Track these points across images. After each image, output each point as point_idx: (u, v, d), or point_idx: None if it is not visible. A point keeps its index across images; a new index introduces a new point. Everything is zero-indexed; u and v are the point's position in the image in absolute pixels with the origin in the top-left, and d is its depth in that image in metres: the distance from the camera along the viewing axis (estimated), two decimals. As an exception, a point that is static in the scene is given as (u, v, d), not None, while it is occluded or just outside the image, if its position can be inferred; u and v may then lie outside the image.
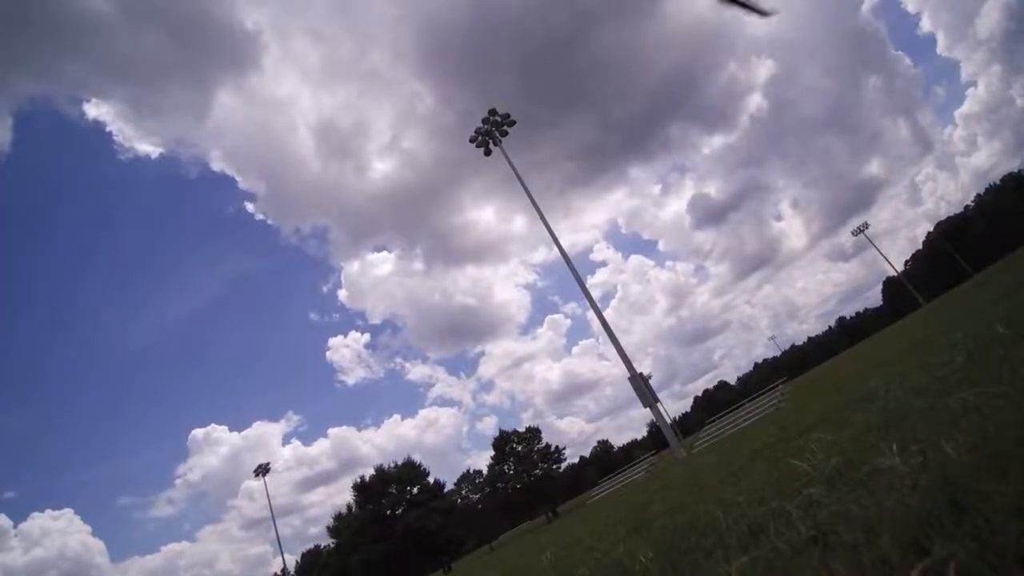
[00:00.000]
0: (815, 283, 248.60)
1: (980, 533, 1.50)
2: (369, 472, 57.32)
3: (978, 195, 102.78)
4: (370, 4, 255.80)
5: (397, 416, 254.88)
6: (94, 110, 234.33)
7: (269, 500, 54.60)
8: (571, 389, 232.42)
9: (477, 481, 69.83)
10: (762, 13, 2.33)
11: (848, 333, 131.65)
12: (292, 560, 68.47)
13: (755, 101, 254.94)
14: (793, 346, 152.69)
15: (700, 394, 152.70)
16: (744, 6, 2.25)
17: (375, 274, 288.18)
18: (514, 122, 34.60)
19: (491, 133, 34.27)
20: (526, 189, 32.16)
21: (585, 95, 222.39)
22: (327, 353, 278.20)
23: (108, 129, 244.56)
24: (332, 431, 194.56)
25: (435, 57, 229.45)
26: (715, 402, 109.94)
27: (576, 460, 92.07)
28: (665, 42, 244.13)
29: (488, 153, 34.90)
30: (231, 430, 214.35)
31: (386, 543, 49.31)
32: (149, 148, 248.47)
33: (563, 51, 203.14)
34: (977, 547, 1.44)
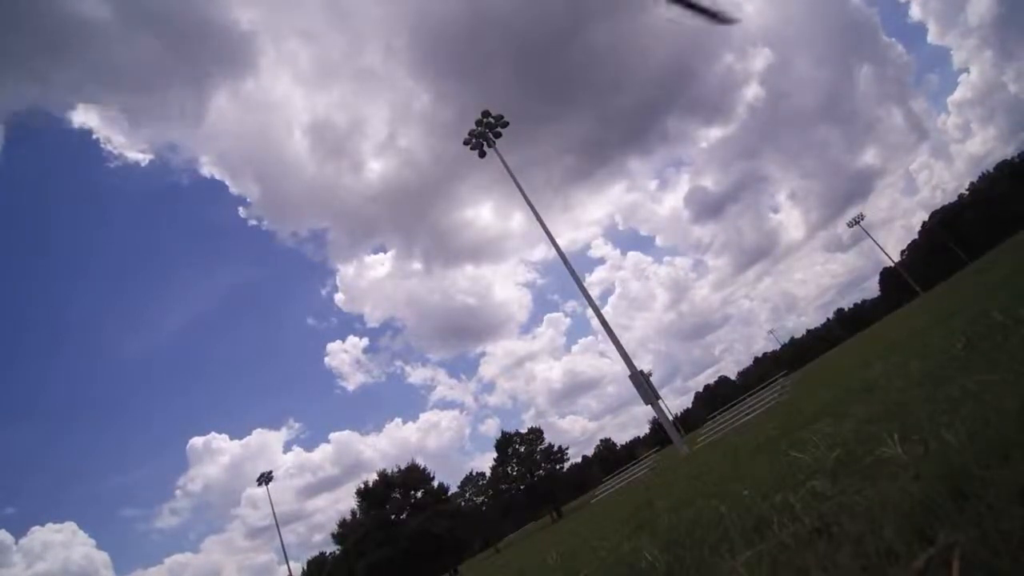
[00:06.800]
0: (813, 275, 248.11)
1: (983, 520, 1.51)
2: (372, 477, 57.30)
3: (972, 183, 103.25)
4: (362, 1, 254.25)
5: (399, 420, 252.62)
6: (84, 116, 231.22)
7: (273, 508, 54.47)
8: (573, 388, 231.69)
9: (480, 483, 69.76)
10: (724, 20, 2.18)
11: (847, 324, 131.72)
12: (298, 568, 68.23)
13: (752, 91, 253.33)
14: (793, 339, 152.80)
15: (701, 390, 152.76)
16: (703, 11, 2.08)
17: (372, 276, 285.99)
18: (507, 123, 34.67)
19: (485, 135, 34.36)
20: (521, 190, 32.22)
21: (583, 88, 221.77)
22: (325, 359, 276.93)
23: (96, 136, 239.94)
24: (334, 436, 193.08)
25: (430, 53, 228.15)
26: (716, 397, 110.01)
27: (579, 459, 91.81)
28: (661, 33, 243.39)
29: (483, 155, 34.99)
30: (231, 438, 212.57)
31: (391, 548, 49.19)
32: (139, 155, 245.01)
33: (559, 44, 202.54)
34: (980, 533, 1.44)
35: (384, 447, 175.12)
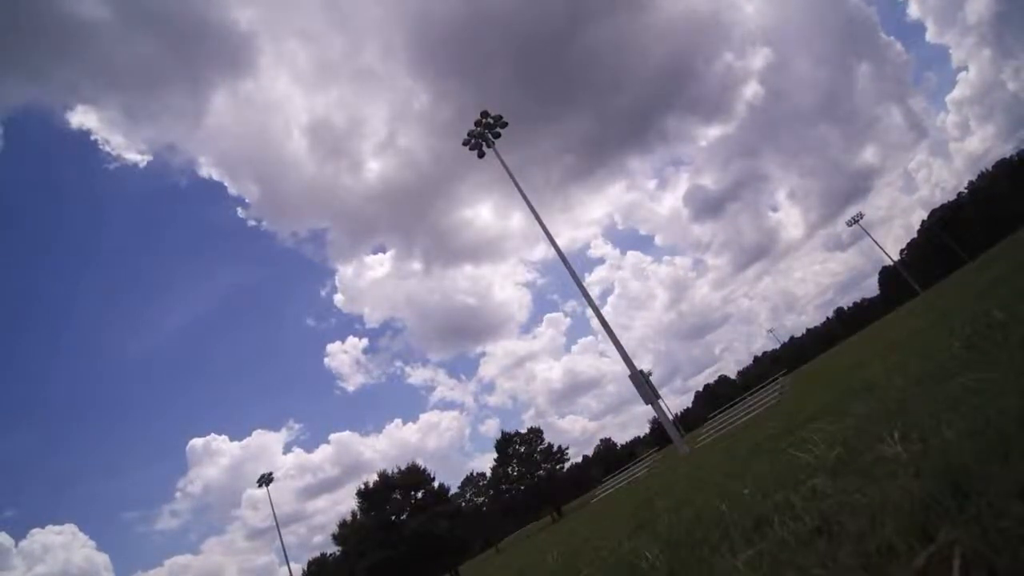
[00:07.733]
0: (813, 274, 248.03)
1: (983, 517, 1.51)
2: (373, 478, 57.25)
3: (971, 181, 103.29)
4: (362, 1, 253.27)
5: (399, 420, 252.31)
6: (83, 117, 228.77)
7: (273, 510, 54.43)
8: (573, 388, 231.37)
9: (481, 484, 69.72)
10: None
11: (846, 323, 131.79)
12: (298, 569, 68.13)
13: (751, 90, 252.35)
14: (792, 338, 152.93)
15: (701, 389, 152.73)
16: None
17: (372, 276, 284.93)
18: (506, 124, 34.66)
19: (484, 135, 34.34)
20: (521, 190, 32.22)
21: (582, 88, 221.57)
22: (325, 360, 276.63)
23: (95, 137, 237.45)
24: (334, 436, 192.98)
25: (429, 53, 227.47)
26: (717, 397, 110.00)
27: (579, 459, 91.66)
28: (661, 33, 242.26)
29: (482, 155, 34.98)
30: (231, 439, 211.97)
31: (392, 549, 49.16)
32: (138, 156, 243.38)
33: (559, 44, 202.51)
34: (981, 531, 1.44)
35: (384, 448, 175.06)
